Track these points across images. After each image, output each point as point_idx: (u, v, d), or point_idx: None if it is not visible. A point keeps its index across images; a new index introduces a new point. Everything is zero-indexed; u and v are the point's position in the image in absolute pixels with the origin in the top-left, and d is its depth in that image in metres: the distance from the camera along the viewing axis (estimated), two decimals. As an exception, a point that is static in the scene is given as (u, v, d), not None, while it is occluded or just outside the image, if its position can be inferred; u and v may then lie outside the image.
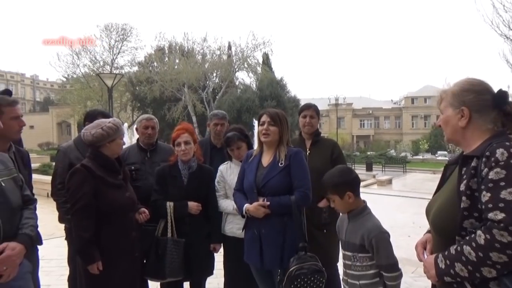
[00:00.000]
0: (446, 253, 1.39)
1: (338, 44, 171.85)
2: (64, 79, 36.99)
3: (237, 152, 3.03)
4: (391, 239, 2.14)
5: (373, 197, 12.33)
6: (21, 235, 1.83)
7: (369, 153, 37.09)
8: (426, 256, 1.58)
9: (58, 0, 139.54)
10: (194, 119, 28.81)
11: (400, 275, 2.16)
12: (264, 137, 2.63)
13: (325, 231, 3.12)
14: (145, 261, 2.84)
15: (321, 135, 3.49)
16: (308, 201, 2.55)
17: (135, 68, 33.21)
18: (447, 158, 26.52)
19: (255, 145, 2.86)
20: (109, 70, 30.58)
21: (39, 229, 2.18)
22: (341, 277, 2.42)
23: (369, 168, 23.68)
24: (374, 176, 19.81)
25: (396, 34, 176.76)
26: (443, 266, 1.38)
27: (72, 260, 3.06)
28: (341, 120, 55.02)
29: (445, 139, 1.61)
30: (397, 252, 2.12)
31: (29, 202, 2.00)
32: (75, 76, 33.34)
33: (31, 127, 46.65)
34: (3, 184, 1.81)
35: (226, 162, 3.16)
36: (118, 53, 33.56)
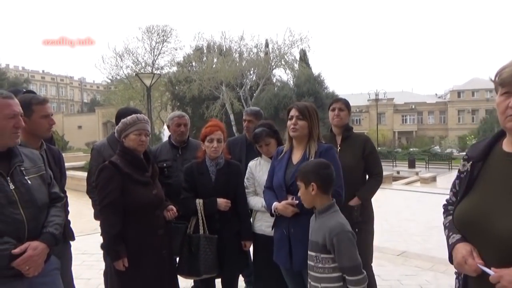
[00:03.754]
0: None
1: (378, 36, 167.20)
2: (109, 81, 38.45)
3: (265, 149, 2.97)
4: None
5: (416, 195, 11.84)
6: (44, 233, 1.84)
7: (411, 149, 35.77)
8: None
9: (103, 4, 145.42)
10: (232, 117, 29.04)
11: (365, 279, 2.02)
12: (292, 132, 2.56)
13: (356, 230, 3.00)
14: (177, 258, 2.85)
15: (361, 131, 3.35)
16: (339, 200, 2.43)
17: (175, 68, 33.98)
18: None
19: None
20: (150, 70, 31.39)
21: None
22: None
23: (411, 165, 22.87)
24: (417, 173, 19.08)
25: (442, 24, 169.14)
26: None
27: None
28: (382, 116, 53.40)
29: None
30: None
31: (57, 199, 2.01)
32: (118, 77, 34.59)
33: (79, 127, 49.60)
34: (29, 182, 1.82)
35: (256, 159, 3.10)
36: (159, 54, 34.44)
